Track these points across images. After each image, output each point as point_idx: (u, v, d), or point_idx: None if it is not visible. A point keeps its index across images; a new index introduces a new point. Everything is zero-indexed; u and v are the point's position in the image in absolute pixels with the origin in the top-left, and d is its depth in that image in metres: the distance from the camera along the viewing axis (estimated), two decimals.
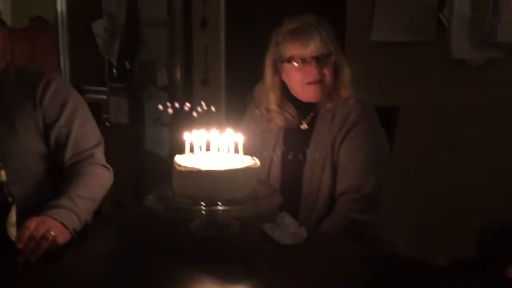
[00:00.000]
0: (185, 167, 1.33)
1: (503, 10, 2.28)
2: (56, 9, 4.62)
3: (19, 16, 6.18)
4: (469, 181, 2.37)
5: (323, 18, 1.69)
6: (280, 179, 1.73)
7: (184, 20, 3.53)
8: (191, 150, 1.42)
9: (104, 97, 4.14)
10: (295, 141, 1.73)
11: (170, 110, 1.55)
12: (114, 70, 3.94)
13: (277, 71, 1.71)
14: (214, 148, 1.42)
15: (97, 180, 1.56)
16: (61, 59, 4.68)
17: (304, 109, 1.71)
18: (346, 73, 1.68)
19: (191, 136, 1.41)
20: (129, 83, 3.85)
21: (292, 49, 1.64)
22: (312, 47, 1.61)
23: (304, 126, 1.73)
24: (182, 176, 1.33)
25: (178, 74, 3.52)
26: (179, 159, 1.38)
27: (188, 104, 1.62)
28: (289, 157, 1.71)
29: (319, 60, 1.62)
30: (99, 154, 1.63)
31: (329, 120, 1.67)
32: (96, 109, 1.98)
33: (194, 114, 1.55)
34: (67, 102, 1.60)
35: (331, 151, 1.64)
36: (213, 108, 1.54)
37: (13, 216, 1.17)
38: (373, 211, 1.59)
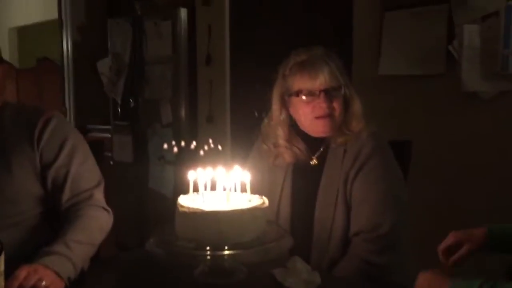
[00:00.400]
0: (188, 207, 1.24)
1: None
2: (62, 49, 4.64)
3: (27, 57, 6.26)
4: (485, 214, 2.27)
5: (330, 50, 1.64)
6: (290, 219, 1.63)
7: (189, 57, 3.51)
8: (196, 189, 1.34)
9: (109, 135, 4.10)
10: (305, 178, 1.64)
11: (175, 149, 1.48)
12: (119, 109, 3.91)
13: (284, 105, 1.64)
14: (219, 187, 1.34)
15: (96, 223, 1.47)
16: (66, 98, 4.67)
17: (314, 144, 1.64)
18: (357, 106, 1.61)
19: (196, 175, 1.32)
20: (133, 121, 3.81)
21: (300, 82, 1.57)
22: (320, 80, 1.54)
23: (314, 161, 1.64)
24: (185, 218, 1.24)
25: (183, 111, 3.48)
26: (182, 200, 1.30)
27: (194, 143, 1.54)
28: (299, 195, 1.62)
29: (328, 93, 1.55)
30: (99, 195, 1.54)
31: (340, 155, 1.58)
32: (100, 147, 1.92)
33: (201, 152, 1.47)
34: (66, 141, 1.53)
35: (343, 188, 1.55)
36: (219, 147, 1.46)
37: (1, 265, 1.08)
38: (391, 252, 1.48)
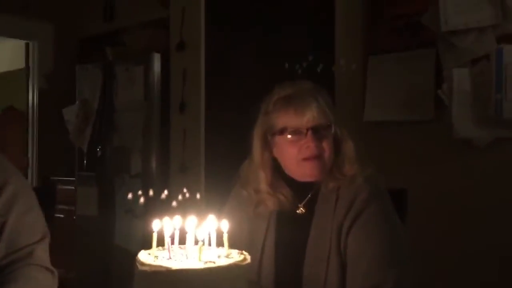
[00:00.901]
0: (150, 265, 0.99)
1: (507, 86, 2.11)
2: (27, 98, 4.41)
3: None
4: (485, 263, 2.11)
5: (319, 85, 1.46)
6: (274, 278, 1.39)
7: (162, 104, 3.32)
8: (161, 243, 1.09)
9: (73, 188, 3.81)
10: (291, 229, 1.41)
11: (142, 200, 1.24)
12: (84, 158, 3.65)
13: (267, 145, 1.43)
14: (190, 241, 1.10)
15: (35, 287, 1.19)
16: (30, 149, 4.39)
17: (300, 189, 1.42)
18: (349, 147, 1.42)
19: (161, 225, 1.08)
20: (99, 172, 3.54)
21: (285, 118, 1.38)
22: (308, 116, 1.35)
23: (300, 210, 1.42)
24: (146, 279, 0.99)
25: (153, 161, 3.24)
26: (142, 256, 1.05)
27: (165, 192, 1.30)
28: (285, 249, 1.39)
29: (317, 132, 1.36)
30: (41, 253, 1.28)
31: (332, 202, 1.37)
32: (51, 198, 1.68)
33: (174, 203, 1.22)
34: (5, 186, 1.28)
35: (337, 241, 1.33)
36: (198, 195, 1.23)
37: None
38: None
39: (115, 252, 3.39)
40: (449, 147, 2.24)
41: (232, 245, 1.13)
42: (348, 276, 1.30)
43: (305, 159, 1.37)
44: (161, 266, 0.98)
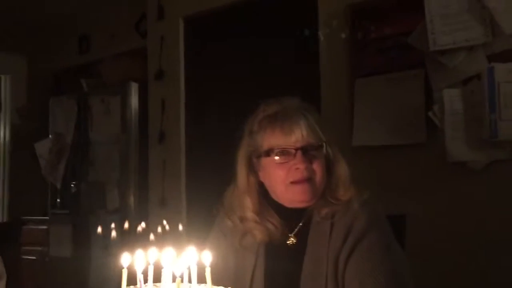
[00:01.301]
0: None
1: (501, 105, 2.02)
2: None
3: None
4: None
5: (307, 102, 1.33)
6: None
7: (140, 135, 3.17)
8: (132, 282, 0.93)
9: (46, 227, 3.58)
10: (281, 262, 1.26)
11: (113, 234, 1.07)
12: (58, 196, 3.45)
13: (252, 169, 1.29)
14: (167, 277, 0.94)
15: None
16: (0, 188, 4.16)
17: (290, 217, 1.27)
18: (343, 169, 1.29)
19: (132, 260, 0.92)
20: (74, 209, 3.34)
21: (271, 139, 1.25)
22: (296, 136, 1.22)
23: (291, 240, 1.27)
24: None
25: (131, 195, 3.06)
26: None
27: (143, 225, 1.13)
28: (276, 285, 1.23)
29: (306, 152, 1.22)
30: None
31: (327, 231, 1.22)
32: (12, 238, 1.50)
33: (151, 236, 1.05)
34: None
35: (333, 274, 1.18)
36: (180, 227, 1.07)
37: None
38: None
39: None
40: (444, 171, 2.13)
41: (216, 282, 0.97)
42: None
43: (294, 183, 1.23)
44: None
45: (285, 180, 1.23)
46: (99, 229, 1.23)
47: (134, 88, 3.20)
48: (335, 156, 1.30)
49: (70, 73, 3.95)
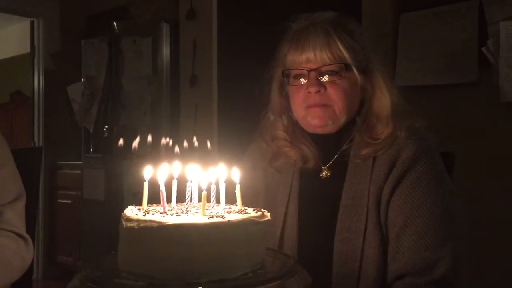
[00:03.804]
0: (138, 221, 0.74)
1: None
2: (33, 81, 4.20)
3: (1, 92, 5.84)
4: None
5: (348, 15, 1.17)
6: (297, 254, 1.12)
7: (171, 78, 3.08)
8: (152, 200, 0.85)
9: (80, 172, 3.60)
10: (316, 194, 1.15)
11: (135, 144, 0.96)
12: (90, 140, 3.43)
13: (283, 90, 1.18)
14: (192, 194, 0.85)
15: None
16: (35, 133, 4.18)
17: (323, 147, 1.16)
18: (381, 103, 1.12)
19: (155, 172, 0.84)
20: (106, 153, 3.31)
21: (287, 58, 1.13)
22: (308, 55, 1.08)
23: (325, 173, 1.15)
24: (133, 237, 0.75)
25: (163, 140, 3.00)
26: (130, 211, 0.80)
27: (167, 139, 1.03)
28: (308, 219, 1.13)
29: (321, 75, 1.09)
30: (12, 215, 1.05)
31: (369, 164, 1.09)
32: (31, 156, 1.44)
33: (176, 149, 0.94)
34: None
35: (375, 211, 1.06)
36: (208, 144, 0.96)
37: None
38: None
39: None
40: (496, 111, 1.96)
41: (247, 203, 0.88)
42: (391, 252, 1.03)
43: (309, 107, 1.10)
44: (152, 221, 0.73)
45: (301, 104, 1.11)
46: (121, 141, 1.13)
47: (165, 29, 3.08)
48: (377, 85, 1.14)
49: (102, 16, 3.86)
